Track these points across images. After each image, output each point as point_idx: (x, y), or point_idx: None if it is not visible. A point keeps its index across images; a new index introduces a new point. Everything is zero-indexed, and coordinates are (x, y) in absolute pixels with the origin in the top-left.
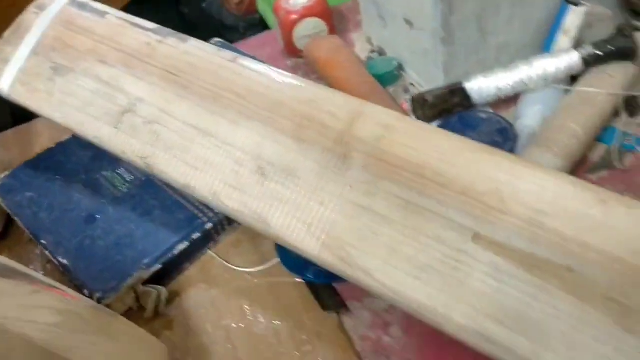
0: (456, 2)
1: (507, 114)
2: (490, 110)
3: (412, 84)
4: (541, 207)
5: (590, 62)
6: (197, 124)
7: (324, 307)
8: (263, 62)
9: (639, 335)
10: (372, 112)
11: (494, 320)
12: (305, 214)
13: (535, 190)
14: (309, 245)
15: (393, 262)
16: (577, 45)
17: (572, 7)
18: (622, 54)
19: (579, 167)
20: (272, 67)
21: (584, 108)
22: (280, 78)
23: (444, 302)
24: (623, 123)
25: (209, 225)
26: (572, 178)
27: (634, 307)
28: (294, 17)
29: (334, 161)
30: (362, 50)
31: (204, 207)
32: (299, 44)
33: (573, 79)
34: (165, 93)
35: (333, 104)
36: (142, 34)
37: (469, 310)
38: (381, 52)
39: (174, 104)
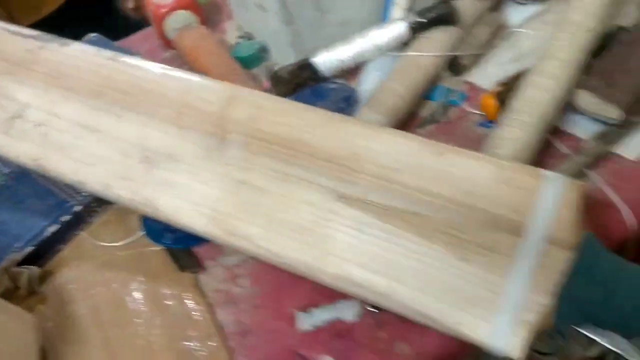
0: None
1: (354, 82)
2: (339, 81)
3: (275, 64)
4: (390, 164)
5: (416, 29)
6: (84, 122)
7: (181, 268)
8: (141, 56)
9: (472, 262)
10: (245, 94)
11: (358, 265)
12: (191, 194)
13: (385, 150)
14: (197, 223)
15: (272, 228)
16: (410, 14)
17: None
18: (443, 20)
19: (410, 123)
20: (150, 62)
21: (409, 70)
22: (158, 71)
23: (317, 257)
24: (448, 81)
25: (78, 208)
26: (414, 136)
27: (467, 239)
28: (164, 10)
29: (213, 143)
30: (233, 37)
31: (73, 192)
32: (171, 36)
33: (407, 45)
34: (51, 96)
35: (208, 91)
36: (23, 41)
37: (337, 261)
38: (250, 37)
39: (61, 106)
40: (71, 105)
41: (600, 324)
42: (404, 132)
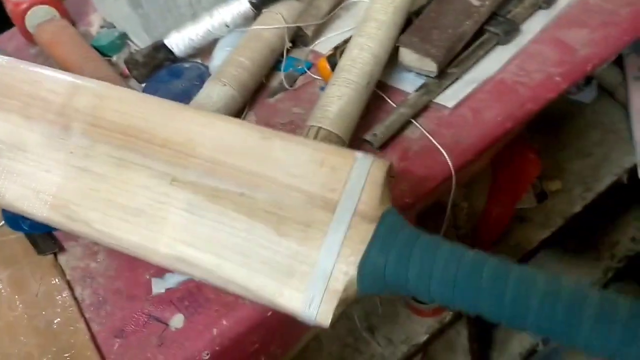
0: None
1: (209, 60)
2: (197, 60)
3: (135, 50)
4: (221, 149)
5: (258, 5)
6: None
7: (40, 251)
8: (7, 54)
9: (291, 238)
10: (88, 85)
11: (187, 245)
12: (33, 182)
13: (217, 136)
14: (39, 209)
15: (110, 212)
16: None
17: None
18: None
19: (260, 94)
20: (1, 57)
21: (252, 43)
22: (5, 63)
23: (150, 238)
24: (296, 52)
25: None
26: (243, 122)
27: (287, 216)
28: (23, 7)
29: (57, 132)
30: (97, 28)
31: None
32: (33, 31)
33: (254, 20)
34: None
35: (54, 82)
36: None
37: (169, 241)
38: (112, 27)
39: None
40: None
41: (399, 292)
42: (235, 119)
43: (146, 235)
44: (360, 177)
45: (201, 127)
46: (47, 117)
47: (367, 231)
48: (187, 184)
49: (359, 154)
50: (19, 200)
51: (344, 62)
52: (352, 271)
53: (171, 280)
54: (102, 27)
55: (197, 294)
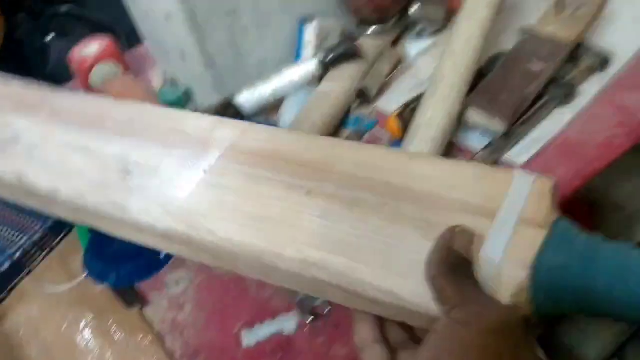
0: (206, 33)
1: (275, 117)
2: (262, 117)
3: (200, 106)
4: (361, 166)
5: (326, 66)
6: (74, 143)
7: (127, 304)
8: None
9: None
10: (231, 121)
11: (318, 249)
12: (160, 196)
13: (356, 156)
14: (161, 220)
15: (237, 220)
16: (319, 52)
17: (308, 24)
18: (348, 56)
19: None
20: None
21: (322, 102)
22: (145, 108)
23: (277, 243)
24: (360, 110)
25: (18, 255)
26: (389, 147)
27: (438, 222)
28: (88, 64)
29: (193, 154)
30: (159, 83)
31: (14, 237)
32: (102, 88)
33: (320, 79)
34: (47, 126)
35: (196, 119)
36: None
37: (298, 246)
38: (174, 83)
39: (52, 132)
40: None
41: (579, 302)
42: (378, 145)
43: (272, 241)
44: (522, 190)
45: (339, 149)
46: (185, 145)
47: (535, 236)
48: (324, 195)
49: (516, 171)
50: (142, 213)
51: (420, 120)
52: (522, 275)
53: (261, 333)
54: (164, 83)
55: (287, 348)
